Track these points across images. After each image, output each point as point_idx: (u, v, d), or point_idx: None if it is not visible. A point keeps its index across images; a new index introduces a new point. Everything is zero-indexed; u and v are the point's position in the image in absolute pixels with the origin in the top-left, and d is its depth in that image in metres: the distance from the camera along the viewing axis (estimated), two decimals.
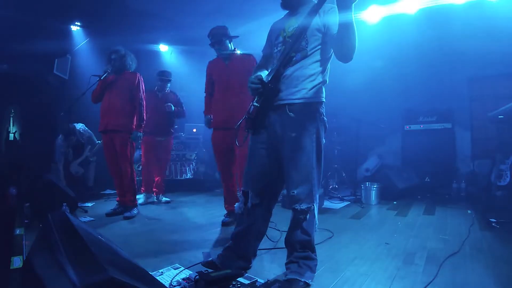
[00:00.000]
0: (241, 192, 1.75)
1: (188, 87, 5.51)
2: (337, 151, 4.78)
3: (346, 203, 3.82)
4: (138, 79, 3.31)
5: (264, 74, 1.75)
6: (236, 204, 1.78)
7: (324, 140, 1.64)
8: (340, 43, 1.47)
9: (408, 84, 4.90)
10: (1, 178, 3.88)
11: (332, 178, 4.66)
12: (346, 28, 1.40)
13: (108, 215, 3.15)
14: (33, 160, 4.71)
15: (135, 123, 3.24)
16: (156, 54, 5.74)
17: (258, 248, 1.81)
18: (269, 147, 1.65)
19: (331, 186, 4.52)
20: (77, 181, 4.30)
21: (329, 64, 1.66)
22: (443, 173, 4.47)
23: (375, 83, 5.03)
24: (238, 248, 1.71)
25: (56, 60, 4.85)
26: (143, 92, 3.30)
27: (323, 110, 1.63)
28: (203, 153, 5.29)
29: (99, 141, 4.36)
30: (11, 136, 4.91)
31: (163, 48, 5.76)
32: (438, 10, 4.05)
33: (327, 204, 3.76)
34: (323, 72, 1.62)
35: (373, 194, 3.75)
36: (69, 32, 4.93)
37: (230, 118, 2.57)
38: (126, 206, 3.20)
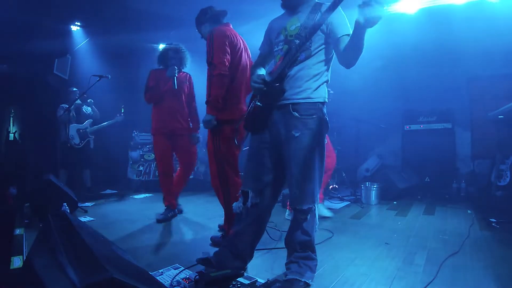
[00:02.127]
0: (240, 191, 1.73)
1: None
2: (337, 151, 4.77)
3: (346, 203, 3.82)
4: (191, 77, 3.31)
5: (262, 72, 1.74)
6: (235, 204, 1.76)
7: (326, 140, 1.64)
8: (348, 53, 1.47)
9: (408, 84, 4.90)
10: (2, 178, 3.89)
11: (332, 178, 4.66)
12: (356, 45, 1.40)
13: (160, 221, 2.89)
14: (34, 160, 4.72)
15: (192, 124, 3.16)
16: (156, 54, 5.73)
17: (259, 248, 1.81)
18: (271, 147, 1.64)
19: (331, 186, 4.51)
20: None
21: (331, 63, 1.66)
22: (443, 173, 4.47)
23: (375, 83, 5.02)
24: (235, 248, 1.69)
25: (56, 60, 4.86)
26: None
27: (325, 110, 1.63)
28: (203, 153, 5.29)
29: (105, 123, 4.38)
30: (11, 136, 4.91)
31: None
32: (438, 10, 4.05)
33: (327, 204, 3.75)
34: (326, 71, 1.62)
35: (373, 194, 3.75)
36: (69, 32, 4.93)
37: None
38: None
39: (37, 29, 4.39)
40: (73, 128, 4.22)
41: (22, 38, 4.29)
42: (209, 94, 2.02)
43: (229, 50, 2.05)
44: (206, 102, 2.06)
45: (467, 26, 4.04)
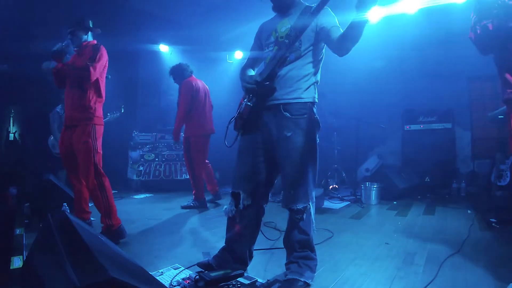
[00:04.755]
0: (230, 194, 1.70)
1: None
2: (337, 151, 4.78)
3: (346, 203, 3.82)
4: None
5: (252, 73, 1.74)
6: (226, 207, 1.73)
7: (318, 139, 1.65)
8: (345, 38, 1.45)
9: (408, 84, 4.90)
10: (2, 178, 3.89)
11: (332, 178, 4.66)
12: (357, 28, 1.39)
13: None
14: (33, 160, 4.72)
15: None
16: (156, 54, 5.74)
17: (259, 248, 1.81)
18: (262, 147, 1.64)
19: (331, 186, 4.52)
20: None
21: (321, 65, 1.67)
22: (443, 173, 4.47)
23: (375, 83, 5.02)
24: (234, 252, 1.68)
25: None
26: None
27: (315, 109, 1.64)
28: None
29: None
30: (11, 136, 4.92)
31: (163, 48, 5.76)
32: (438, 10, 4.05)
33: (327, 204, 3.75)
34: (316, 73, 1.64)
35: (373, 194, 3.75)
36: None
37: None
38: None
39: (37, 29, 4.39)
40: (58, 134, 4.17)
41: (22, 38, 4.29)
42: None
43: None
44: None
45: (467, 26, 4.03)
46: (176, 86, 3.84)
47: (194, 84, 3.59)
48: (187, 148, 3.62)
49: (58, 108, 4.16)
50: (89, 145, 2.32)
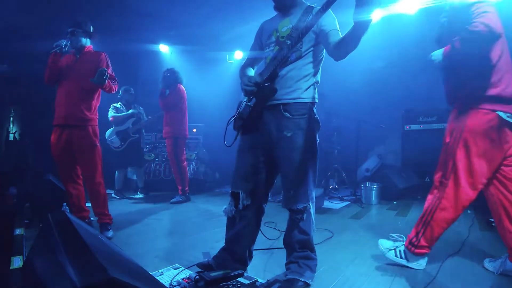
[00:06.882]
0: (230, 194, 1.70)
1: (188, 87, 5.52)
2: (337, 151, 4.78)
3: (346, 203, 3.82)
4: None
5: (251, 73, 1.75)
6: (225, 207, 1.73)
7: (318, 139, 1.64)
8: (342, 44, 1.43)
9: (408, 84, 4.90)
10: (2, 178, 3.89)
11: (332, 178, 4.66)
12: (356, 36, 1.35)
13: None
14: (33, 160, 4.72)
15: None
16: (156, 54, 5.74)
17: (258, 248, 1.80)
18: (262, 147, 1.64)
19: (331, 186, 4.52)
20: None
21: (321, 65, 1.67)
22: None
23: (375, 83, 5.03)
24: (233, 252, 1.68)
25: None
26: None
27: (315, 109, 1.64)
28: (203, 153, 5.30)
29: (149, 117, 4.46)
30: (11, 136, 4.92)
31: (163, 48, 5.76)
32: (438, 10, 4.05)
33: (327, 204, 3.75)
34: (316, 73, 1.63)
35: (373, 194, 3.75)
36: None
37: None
38: None
39: (37, 29, 4.39)
40: (113, 131, 4.29)
41: (22, 38, 4.29)
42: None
43: None
44: None
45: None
46: None
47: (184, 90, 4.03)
48: (174, 148, 3.91)
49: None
50: (98, 145, 2.49)
